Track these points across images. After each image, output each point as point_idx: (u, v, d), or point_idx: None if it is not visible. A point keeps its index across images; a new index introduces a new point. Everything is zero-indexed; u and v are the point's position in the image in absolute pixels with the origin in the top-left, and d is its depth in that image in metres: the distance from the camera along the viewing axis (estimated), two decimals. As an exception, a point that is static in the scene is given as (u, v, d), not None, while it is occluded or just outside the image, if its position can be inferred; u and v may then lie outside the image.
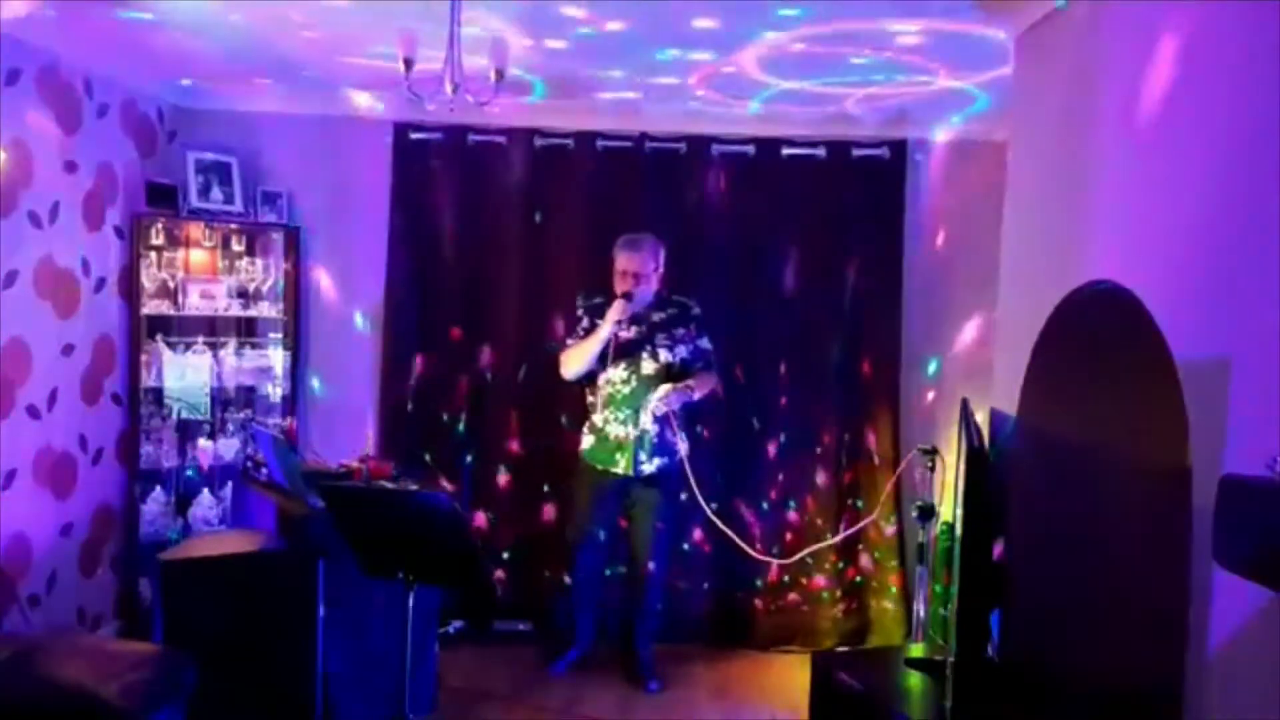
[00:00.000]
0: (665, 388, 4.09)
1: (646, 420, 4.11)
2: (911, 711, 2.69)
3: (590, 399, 4.25)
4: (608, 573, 4.53)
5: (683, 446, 4.15)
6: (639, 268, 4.12)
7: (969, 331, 4.76)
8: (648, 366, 4.15)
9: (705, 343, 4.27)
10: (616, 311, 4.07)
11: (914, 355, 4.83)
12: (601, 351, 4.10)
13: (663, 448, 4.16)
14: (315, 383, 4.94)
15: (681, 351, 4.20)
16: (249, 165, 4.75)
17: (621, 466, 4.15)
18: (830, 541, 4.58)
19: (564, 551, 4.50)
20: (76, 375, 4.11)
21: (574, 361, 4.19)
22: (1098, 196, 2.59)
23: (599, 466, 4.21)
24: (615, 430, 4.15)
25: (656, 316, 4.21)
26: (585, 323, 4.21)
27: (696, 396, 4.19)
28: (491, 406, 4.83)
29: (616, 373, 4.15)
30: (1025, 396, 2.84)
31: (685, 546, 4.74)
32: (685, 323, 4.23)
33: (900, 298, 4.76)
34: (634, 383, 4.14)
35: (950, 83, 4.00)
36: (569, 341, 4.28)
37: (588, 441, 4.26)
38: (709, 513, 4.22)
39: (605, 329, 4.07)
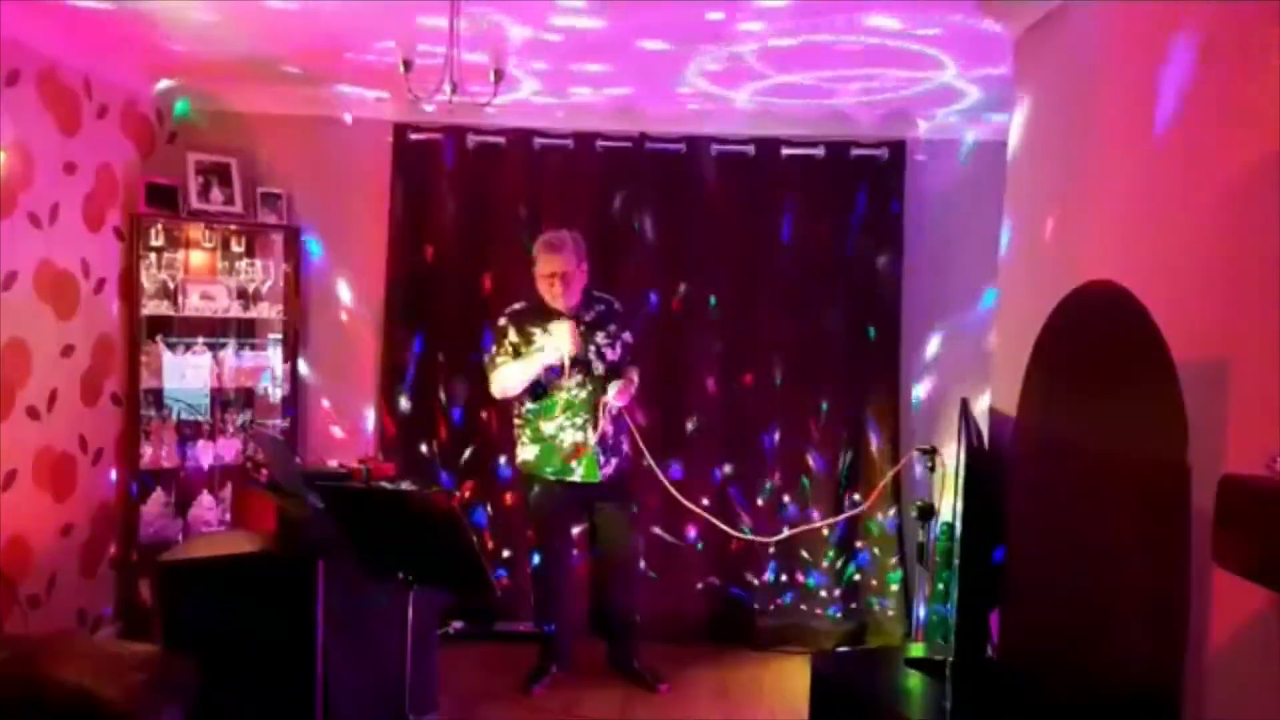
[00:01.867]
0: (615, 384, 3.95)
1: (605, 421, 3.96)
2: (911, 712, 2.69)
3: (528, 407, 4.02)
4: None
5: (624, 442, 4.06)
6: (564, 267, 3.91)
7: (968, 331, 4.76)
8: (598, 367, 4.01)
9: (628, 336, 4.16)
10: (570, 339, 3.84)
11: (913, 355, 4.83)
12: (558, 369, 3.90)
13: (615, 447, 4.06)
14: (315, 383, 4.94)
15: (617, 348, 4.08)
16: (249, 166, 4.75)
17: (579, 474, 3.98)
18: (816, 525, 4.56)
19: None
20: (76, 376, 4.11)
21: (508, 381, 3.96)
22: (1097, 196, 2.59)
23: (551, 476, 4.01)
24: (572, 436, 3.96)
25: (588, 315, 4.04)
26: (512, 335, 3.97)
27: (633, 390, 4.06)
28: (491, 406, 4.82)
29: (571, 379, 3.97)
30: (1025, 396, 2.84)
31: (681, 545, 4.75)
32: (612, 319, 4.10)
33: (900, 297, 4.77)
34: (589, 385, 3.98)
35: (950, 81, 4.00)
36: (498, 359, 4.00)
37: (531, 452, 4.03)
38: (670, 489, 4.06)
39: (551, 356, 3.86)
